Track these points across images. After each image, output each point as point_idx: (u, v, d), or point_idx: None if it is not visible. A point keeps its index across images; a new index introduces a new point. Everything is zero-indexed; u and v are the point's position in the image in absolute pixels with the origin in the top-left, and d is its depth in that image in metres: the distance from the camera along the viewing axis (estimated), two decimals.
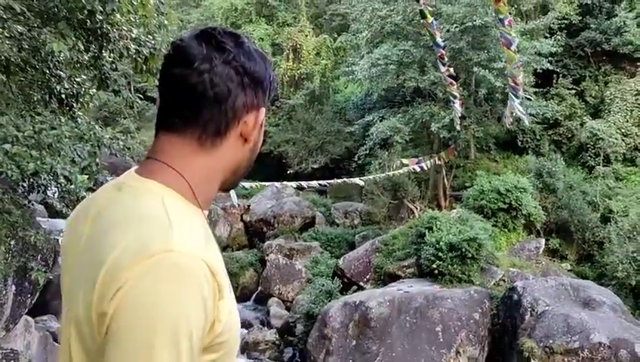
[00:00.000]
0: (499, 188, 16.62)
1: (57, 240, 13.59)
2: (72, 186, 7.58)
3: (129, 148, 9.19)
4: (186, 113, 1.30)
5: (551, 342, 12.01)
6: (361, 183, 15.09)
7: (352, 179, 15.52)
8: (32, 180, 7.45)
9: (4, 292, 10.72)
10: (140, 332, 1.09)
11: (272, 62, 1.43)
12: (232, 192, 11.69)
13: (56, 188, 8.14)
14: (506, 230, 16.70)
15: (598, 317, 12.45)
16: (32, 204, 8.62)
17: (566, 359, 11.81)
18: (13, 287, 11.05)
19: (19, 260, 10.13)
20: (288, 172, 27.24)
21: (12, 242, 9.81)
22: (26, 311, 11.65)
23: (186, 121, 1.31)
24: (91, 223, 1.30)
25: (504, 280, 14.88)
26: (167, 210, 1.23)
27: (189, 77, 1.27)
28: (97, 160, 8.28)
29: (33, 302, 12.10)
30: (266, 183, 14.73)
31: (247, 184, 14.72)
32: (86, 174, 7.94)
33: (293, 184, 14.83)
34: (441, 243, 14.68)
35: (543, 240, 16.91)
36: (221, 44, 1.30)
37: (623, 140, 20.33)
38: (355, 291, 16.21)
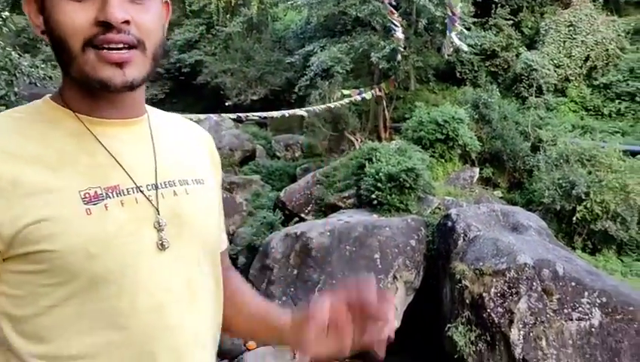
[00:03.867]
0: (437, 120, 16.91)
1: None
2: None
3: (50, 78, 8.53)
4: None
5: (481, 264, 12.71)
6: (304, 114, 14.91)
7: (293, 110, 15.27)
8: None
9: None
10: None
11: None
12: None
13: None
14: (443, 160, 17.17)
15: (525, 240, 13.24)
16: None
17: (494, 279, 12.56)
18: None
19: None
20: (227, 104, 26.46)
21: None
22: None
23: None
24: None
25: (440, 208, 15.44)
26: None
27: None
28: (15, 89, 7.66)
29: None
30: (203, 116, 14.22)
31: (182, 117, 14.17)
32: (3, 105, 7.35)
33: (232, 116, 14.41)
34: (380, 173, 14.94)
35: (477, 170, 17.54)
36: None
37: (555, 71, 20.96)
38: (296, 223, 16.40)
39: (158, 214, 1.28)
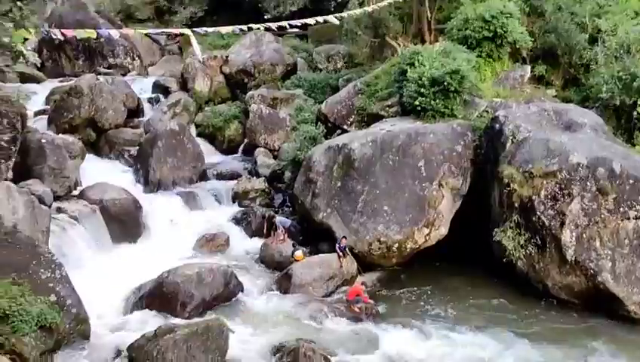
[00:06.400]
0: (484, 16, 15.74)
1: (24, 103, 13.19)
2: (6, 39, 6.97)
3: None
4: None
5: (530, 166, 12.20)
6: (336, 22, 14.11)
7: (326, 17, 14.51)
8: None
9: None
10: None
11: None
12: (195, 44, 10.84)
13: None
14: (491, 60, 16.14)
15: (578, 138, 12.48)
16: None
17: (544, 181, 12.09)
18: None
19: None
20: (265, 17, 25.66)
21: None
22: (4, 176, 11.59)
23: None
24: None
25: (487, 111, 14.72)
26: None
27: None
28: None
29: (10, 167, 12.02)
30: (229, 27, 13.57)
31: (209, 29, 13.69)
32: (21, 27, 7.28)
33: (261, 26, 13.84)
34: (423, 78, 14.26)
35: (528, 68, 16.44)
36: None
37: None
38: (338, 135, 16.15)
39: None
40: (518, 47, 16.04)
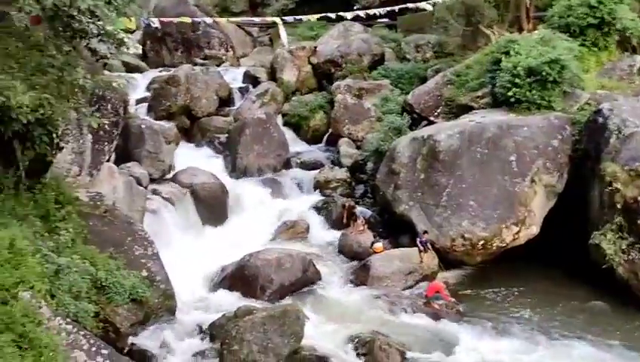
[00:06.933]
0: (589, 1, 14.63)
1: (126, 90, 14.11)
2: (110, 27, 7.38)
3: None
4: None
5: (637, 164, 11.21)
6: (428, 7, 13.69)
7: (417, 3, 14.10)
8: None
9: (81, 141, 11.37)
10: None
11: None
12: (282, 32, 10.90)
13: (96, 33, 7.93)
14: (596, 49, 14.97)
15: None
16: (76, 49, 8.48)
17: None
18: (90, 136, 11.68)
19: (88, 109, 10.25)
20: (355, 7, 25.45)
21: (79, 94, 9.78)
22: (107, 158, 12.44)
23: None
24: None
25: (589, 104, 13.66)
26: None
27: None
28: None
29: (112, 149, 12.88)
30: (318, 15, 13.52)
31: (298, 17, 13.77)
32: (122, 15, 7.68)
33: (349, 15, 13.70)
34: (518, 67, 13.48)
35: (639, 58, 15.05)
36: None
37: None
38: (425, 126, 15.71)
39: None
40: (627, 35, 14.76)
